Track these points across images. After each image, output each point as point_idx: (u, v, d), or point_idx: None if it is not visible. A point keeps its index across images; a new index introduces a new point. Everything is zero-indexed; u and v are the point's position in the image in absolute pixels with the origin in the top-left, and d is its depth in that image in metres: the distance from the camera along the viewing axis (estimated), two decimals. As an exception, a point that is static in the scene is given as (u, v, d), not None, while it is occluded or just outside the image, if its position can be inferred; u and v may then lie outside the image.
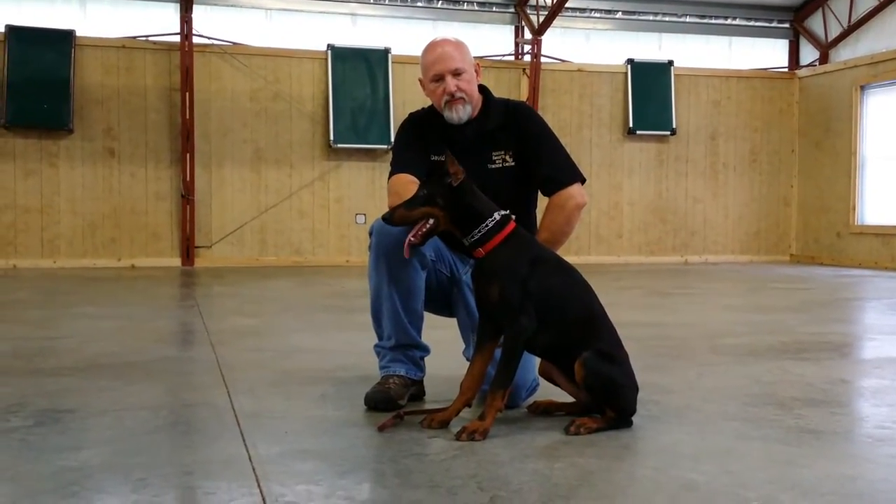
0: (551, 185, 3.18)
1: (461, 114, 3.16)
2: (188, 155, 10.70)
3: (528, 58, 12.04)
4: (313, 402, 3.20)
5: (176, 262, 10.72)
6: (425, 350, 3.22)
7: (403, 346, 3.16)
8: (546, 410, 3.00)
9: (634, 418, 2.85)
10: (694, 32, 13.02)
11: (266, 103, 11.14)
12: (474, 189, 2.74)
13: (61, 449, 2.54)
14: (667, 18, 12.87)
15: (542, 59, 11.97)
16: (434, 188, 2.69)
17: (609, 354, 2.79)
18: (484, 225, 2.70)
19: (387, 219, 2.76)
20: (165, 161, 10.79)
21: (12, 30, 10.07)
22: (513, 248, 2.71)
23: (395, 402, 3.04)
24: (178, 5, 10.78)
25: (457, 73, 3.14)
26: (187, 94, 10.63)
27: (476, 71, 3.22)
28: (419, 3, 11.88)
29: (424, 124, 3.27)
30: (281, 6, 11.45)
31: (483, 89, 3.28)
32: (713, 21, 13.05)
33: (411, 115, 3.35)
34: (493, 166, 3.18)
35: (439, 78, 3.15)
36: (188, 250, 10.68)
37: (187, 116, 10.65)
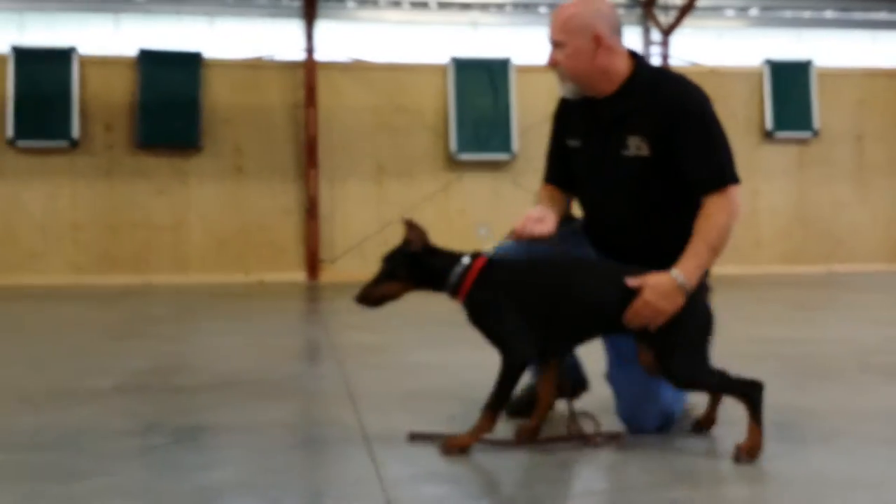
0: (699, 188, 2.78)
1: (563, 90, 2.93)
2: (313, 170, 10.93)
3: (657, 60, 11.77)
4: (442, 422, 3.16)
5: (301, 276, 10.94)
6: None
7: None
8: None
9: (776, 444, 2.69)
10: (835, 28, 12.41)
11: (387, 117, 11.27)
12: (433, 248, 2.78)
13: (199, 467, 2.59)
14: (805, 14, 12.32)
15: (672, 61, 11.68)
16: (393, 264, 2.80)
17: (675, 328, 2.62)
18: (451, 275, 2.73)
19: (361, 300, 2.86)
20: (291, 177, 11.04)
21: (144, 54, 10.52)
22: (486, 285, 2.72)
23: (525, 410, 3.01)
24: (301, 22, 11.04)
25: (556, 45, 2.87)
26: (311, 110, 10.86)
27: (598, 41, 2.81)
28: (541, 9, 11.79)
29: (573, 101, 2.97)
30: (402, 19, 11.57)
31: (634, 60, 2.90)
32: (855, 15, 12.42)
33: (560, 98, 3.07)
34: (627, 153, 2.83)
35: None
36: (313, 265, 10.90)
37: (311, 132, 10.88)
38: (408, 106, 11.26)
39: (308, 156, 10.91)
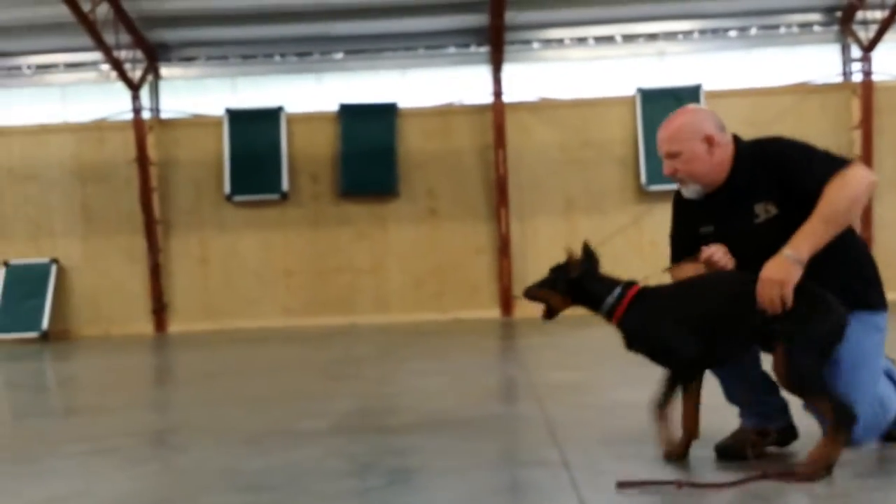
0: (830, 174, 2.88)
1: (687, 192, 3.17)
2: (503, 209, 11.13)
3: (857, 77, 11.19)
4: (648, 465, 3.15)
5: (495, 313, 11.12)
6: (769, 403, 3.19)
7: (743, 405, 3.22)
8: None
9: None
10: None
11: (575, 152, 11.31)
12: (595, 273, 3.15)
13: (413, 509, 2.73)
14: None
15: (875, 77, 11.06)
16: (557, 276, 3.19)
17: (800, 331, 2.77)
18: (605, 302, 3.08)
19: (525, 293, 3.27)
20: (482, 216, 11.29)
21: (344, 108, 11.14)
22: (640, 310, 3.04)
23: (740, 454, 3.08)
24: (489, 67, 11.31)
25: (670, 156, 3.12)
26: (500, 150, 11.08)
27: (709, 141, 3.07)
28: (731, 33, 11.51)
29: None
30: (588, 55, 11.60)
31: (734, 142, 3.13)
32: None
33: (678, 188, 3.28)
34: (759, 221, 3.05)
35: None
36: (507, 302, 11.06)
37: (501, 172, 11.09)
38: (595, 140, 11.27)
39: (498, 195, 11.12)
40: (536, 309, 3.26)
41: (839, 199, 2.83)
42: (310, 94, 11.62)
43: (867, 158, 10.73)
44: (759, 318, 2.84)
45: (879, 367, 3.03)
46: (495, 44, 10.93)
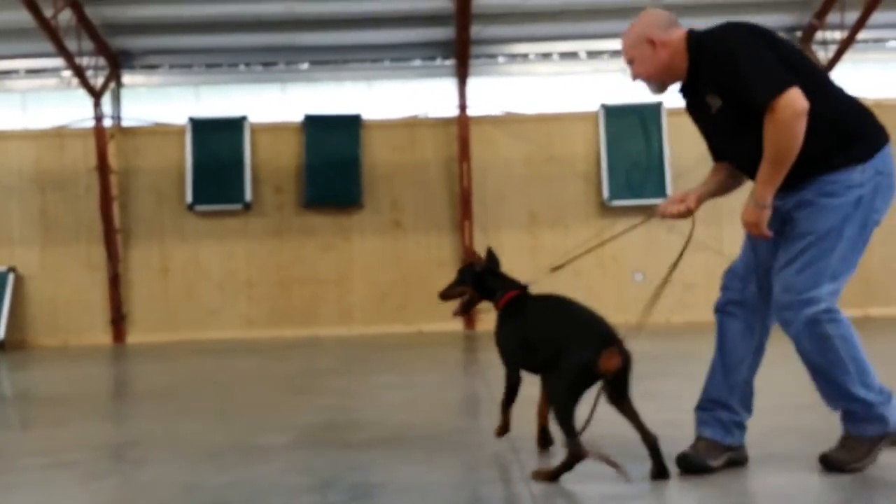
0: (761, 106, 2.98)
1: (650, 90, 3.36)
2: (467, 222, 11.16)
3: (815, 97, 11.40)
4: (608, 480, 3.18)
5: (459, 326, 11.12)
6: (735, 413, 3.25)
7: (711, 403, 3.27)
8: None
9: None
10: None
11: (539, 167, 11.38)
12: (495, 272, 3.71)
13: (375, 525, 2.72)
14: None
15: (834, 97, 11.26)
16: (464, 275, 3.76)
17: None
18: (497, 294, 3.64)
19: (440, 296, 3.82)
20: (446, 229, 11.31)
21: (309, 118, 11.11)
22: (504, 313, 3.61)
23: (703, 465, 3.16)
24: (454, 80, 11.36)
25: (630, 62, 3.32)
26: (465, 164, 11.12)
27: (652, 43, 3.20)
28: (693, 53, 11.67)
29: (684, 93, 3.36)
30: (552, 71, 11.70)
31: (689, 40, 3.20)
32: None
33: None
34: (712, 111, 3.20)
35: None
36: (470, 315, 11.07)
37: (465, 185, 11.13)
38: (559, 155, 11.35)
39: (462, 208, 11.15)
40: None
41: (779, 141, 2.97)
42: (274, 104, 11.57)
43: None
44: (543, 355, 3.29)
45: (842, 236, 3.06)
46: (461, 57, 10.98)
